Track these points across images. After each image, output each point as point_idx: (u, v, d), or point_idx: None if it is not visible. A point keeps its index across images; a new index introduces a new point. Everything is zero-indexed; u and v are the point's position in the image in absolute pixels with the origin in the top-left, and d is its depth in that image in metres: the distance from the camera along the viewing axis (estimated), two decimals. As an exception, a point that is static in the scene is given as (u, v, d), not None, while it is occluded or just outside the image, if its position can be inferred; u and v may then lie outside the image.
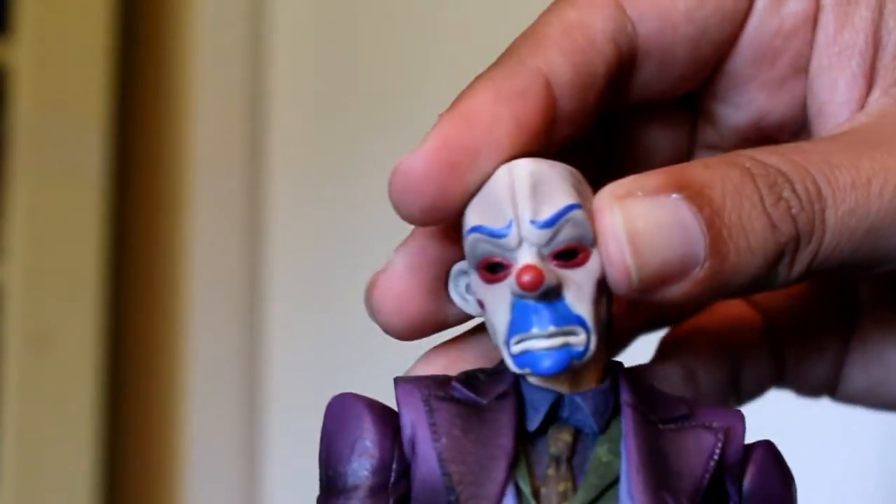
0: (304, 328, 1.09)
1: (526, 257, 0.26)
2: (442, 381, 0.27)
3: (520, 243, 0.26)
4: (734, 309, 0.36)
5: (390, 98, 1.06)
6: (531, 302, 0.25)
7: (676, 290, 0.26)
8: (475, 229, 0.26)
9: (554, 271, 0.26)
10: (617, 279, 0.26)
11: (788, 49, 0.31)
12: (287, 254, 1.10)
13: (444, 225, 0.28)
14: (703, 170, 0.27)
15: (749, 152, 0.28)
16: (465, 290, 0.28)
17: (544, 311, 0.25)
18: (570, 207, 0.26)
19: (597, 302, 0.26)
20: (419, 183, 0.26)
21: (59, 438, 1.04)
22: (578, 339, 0.25)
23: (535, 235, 0.26)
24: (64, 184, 1.06)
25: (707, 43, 0.30)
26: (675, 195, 0.26)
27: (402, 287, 0.28)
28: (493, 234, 0.26)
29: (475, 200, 0.27)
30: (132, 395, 1.13)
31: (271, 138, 1.12)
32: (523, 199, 0.26)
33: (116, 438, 1.09)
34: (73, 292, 1.06)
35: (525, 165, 0.26)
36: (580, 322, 0.26)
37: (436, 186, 0.26)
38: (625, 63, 0.29)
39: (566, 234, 0.26)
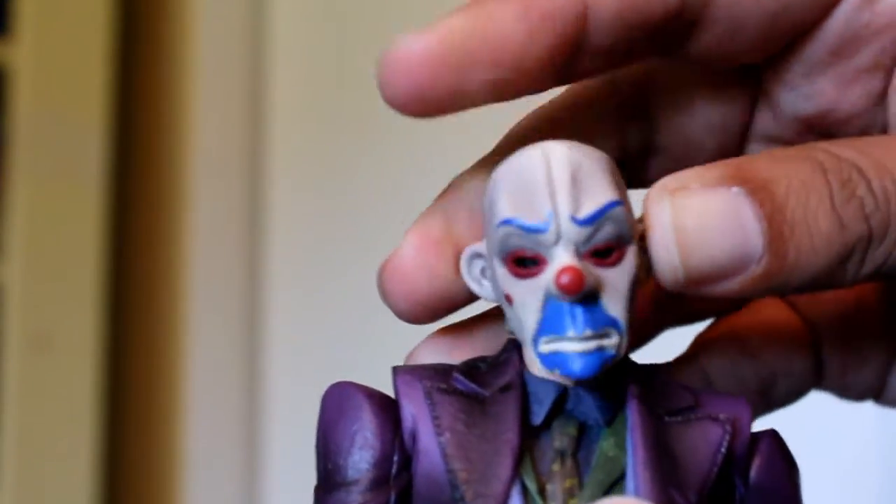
0: (304, 328, 1.09)
1: (564, 257, 0.24)
2: (443, 372, 0.26)
3: (557, 240, 0.24)
4: (775, 312, 0.35)
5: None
6: (567, 303, 0.24)
7: (728, 286, 0.25)
8: (508, 222, 0.25)
9: (592, 272, 0.24)
10: (663, 274, 0.25)
11: (874, 44, 0.29)
12: (287, 253, 1.10)
13: (456, 207, 0.27)
14: (771, 163, 0.25)
15: (824, 145, 0.26)
16: (481, 273, 0.27)
17: (580, 314, 0.24)
18: (612, 204, 0.24)
19: (630, 302, 0.25)
20: (413, 66, 0.25)
21: (59, 438, 1.04)
22: (612, 342, 0.24)
23: (575, 233, 0.24)
24: (64, 184, 1.06)
25: (786, 21, 0.28)
26: (735, 188, 0.25)
27: (412, 269, 0.27)
28: (529, 230, 0.24)
29: (503, 184, 0.25)
30: (132, 395, 1.12)
31: (271, 138, 1.12)
32: (563, 192, 0.24)
33: (116, 438, 1.09)
34: (73, 292, 1.06)
35: (563, 153, 0.25)
36: (614, 324, 0.25)
37: (428, 77, 0.25)
38: (689, 17, 0.27)
39: (606, 233, 0.24)
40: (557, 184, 0.24)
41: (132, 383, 1.12)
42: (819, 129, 0.30)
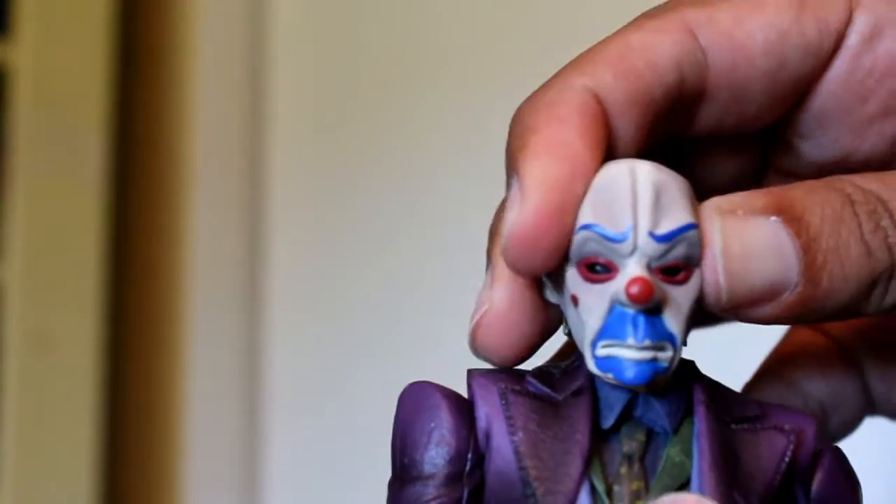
0: (305, 328, 1.09)
1: (635, 268, 0.25)
2: (516, 376, 0.27)
3: (632, 252, 0.26)
4: (811, 341, 0.35)
5: (392, 96, 1.07)
6: (631, 312, 0.25)
7: (763, 312, 0.26)
8: (588, 227, 0.26)
9: (660, 286, 0.26)
10: (709, 295, 0.26)
11: (881, 89, 0.30)
12: (288, 254, 1.11)
13: None
14: (806, 193, 0.27)
15: (850, 177, 0.27)
16: (547, 276, 0.28)
17: (642, 324, 0.25)
18: (688, 227, 0.26)
19: (689, 320, 0.26)
20: (537, 239, 0.26)
21: (59, 438, 1.04)
22: (666, 356, 0.26)
23: (651, 248, 0.26)
24: (64, 184, 1.06)
25: (786, 79, 0.29)
26: (774, 217, 0.26)
27: (509, 323, 0.28)
28: (608, 238, 0.26)
29: (589, 194, 0.26)
30: (132, 395, 1.12)
31: (272, 138, 1.12)
32: (645, 207, 0.26)
33: (116, 438, 1.09)
34: (73, 292, 1.06)
35: (648, 171, 0.26)
36: (671, 339, 0.26)
37: (555, 235, 0.26)
38: (691, 91, 0.29)
39: (678, 252, 0.26)
40: (640, 199, 0.26)
41: (132, 383, 1.12)
42: (839, 172, 0.31)
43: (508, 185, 0.27)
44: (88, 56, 1.08)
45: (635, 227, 0.25)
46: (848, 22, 0.29)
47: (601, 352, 0.26)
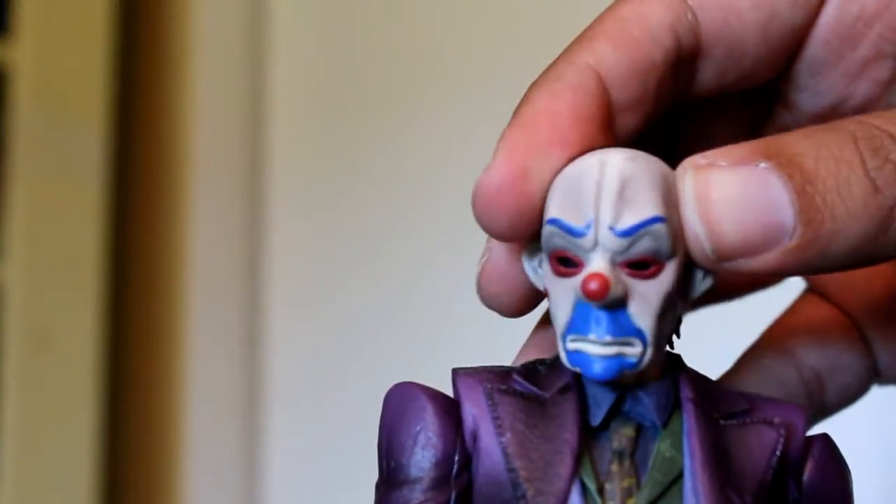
0: (305, 328, 1.09)
1: (597, 263, 0.25)
2: (502, 374, 0.27)
3: (594, 246, 0.25)
4: (814, 311, 0.35)
5: (391, 96, 1.07)
6: (593, 307, 0.25)
7: (763, 261, 0.25)
8: (553, 221, 0.26)
9: (623, 281, 0.25)
10: (692, 249, 0.26)
11: (870, 33, 0.30)
12: (287, 253, 1.11)
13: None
14: (800, 138, 0.26)
15: (856, 117, 0.27)
16: (538, 264, 0.28)
17: (604, 320, 0.25)
18: (653, 220, 0.25)
19: (661, 316, 0.26)
20: (499, 196, 0.26)
21: (59, 438, 1.04)
22: (633, 351, 0.25)
23: (612, 242, 0.25)
24: (64, 184, 1.06)
25: (778, 30, 0.29)
26: (763, 163, 0.25)
27: (508, 272, 0.28)
28: (570, 232, 0.25)
29: (559, 186, 0.26)
30: (132, 394, 1.12)
31: (271, 138, 1.12)
32: (607, 202, 0.25)
33: (116, 438, 1.09)
34: (73, 292, 1.06)
35: (617, 164, 0.26)
36: (639, 335, 0.25)
37: (516, 196, 0.26)
38: (688, 52, 0.29)
39: (642, 247, 0.25)
40: (604, 192, 0.25)
41: (132, 383, 1.12)
42: (835, 118, 0.30)
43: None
44: (88, 56, 1.08)
45: (596, 221, 0.25)
46: None
47: (570, 346, 0.26)
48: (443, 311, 1.01)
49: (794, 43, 0.30)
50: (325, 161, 1.10)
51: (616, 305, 0.25)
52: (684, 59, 0.29)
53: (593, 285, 0.25)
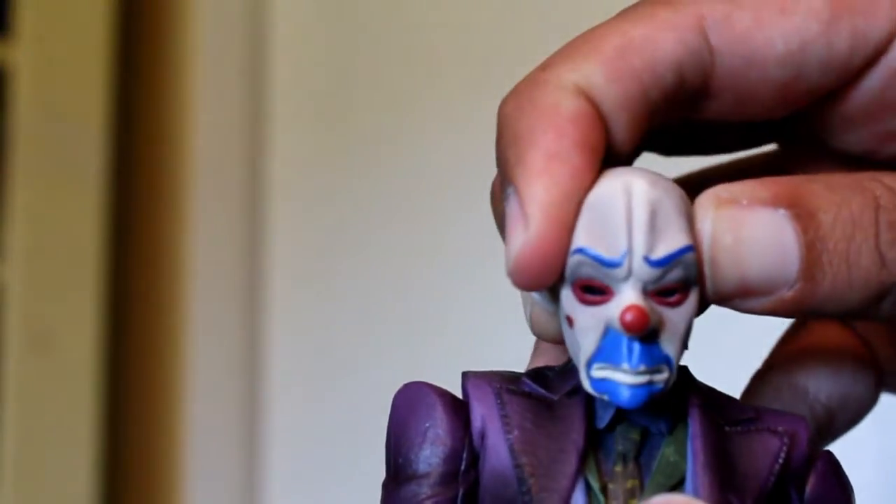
0: (305, 327, 1.09)
1: (631, 294, 0.25)
2: (511, 377, 0.27)
3: (627, 277, 0.25)
4: (825, 334, 0.34)
5: (391, 96, 1.07)
6: (626, 337, 0.25)
7: (758, 304, 0.25)
8: (581, 251, 0.25)
9: (656, 310, 0.25)
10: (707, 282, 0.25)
11: None
12: (288, 253, 1.11)
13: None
14: (825, 189, 0.25)
15: (886, 178, 0.26)
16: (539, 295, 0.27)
17: (638, 350, 0.25)
18: (685, 249, 0.25)
19: (684, 341, 0.26)
20: (543, 264, 0.25)
21: (59, 438, 1.04)
22: (662, 377, 0.25)
23: (646, 273, 0.25)
24: (64, 184, 1.06)
25: (803, 87, 0.27)
26: (781, 210, 0.25)
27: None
28: (603, 263, 0.25)
29: (583, 213, 0.25)
30: (132, 395, 1.13)
31: (271, 138, 1.12)
32: (640, 231, 0.25)
33: (116, 438, 1.09)
34: (73, 292, 1.06)
35: (643, 189, 0.25)
36: (667, 361, 0.25)
37: (559, 259, 0.25)
38: (692, 91, 0.27)
39: (674, 275, 0.25)
40: (635, 221, 0.25)
41: (132, 384, 1.13)
42: (858, 163, 0.30)
43: (505, 195, 0.26)
44: (88, 56, 1.08)
45: (630, 251, 0.25)
46: (892, 36, 0.27)
47: (596, 374, 0.25)
48: (444, 307, 1.01)
49: (815, 102, 0.28)
50: (325, 161, 1.10)
51: (649, 335, 0.25)
52: (685, 96, 0.27)
53: (631, 317, 0.24)
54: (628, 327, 0.25)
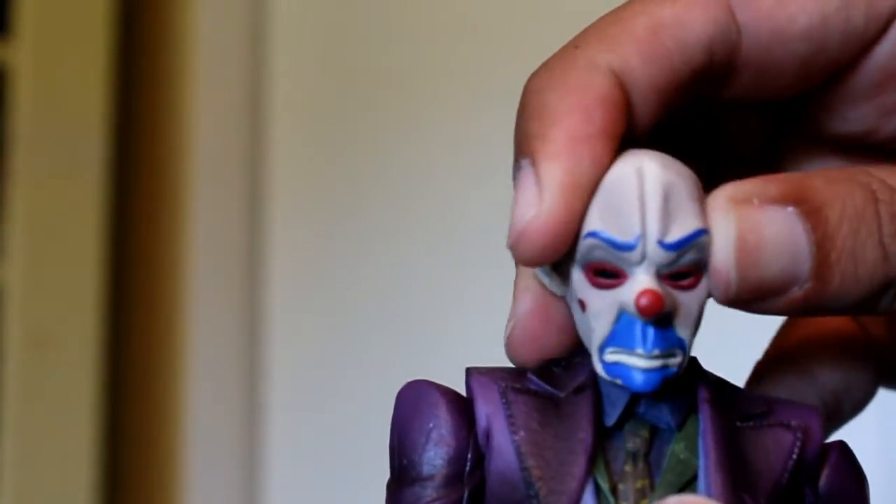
0: (305, 328, 1.09)
1: (645, 278, 0.25)
2: (517, 374, 0.27)
3: (641, 260, 0.25)
4: (832, 325, 0.34)
5: (392, 98, 1.07)
6: (640, 321, 0.25)
7: (770, 305, 0.25)
8: (594, 234, 0.25)
9: (670, 294, 0.25)
10: (716, 288, 0.25)
11: None
12: (287, 254, 1.11)
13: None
14: (826, 184, 0.26)
15: (877, 171, 0.26)
16: (550, 268, 0.27)
17: (652, 334, 0.25)
18: (699, 233, 0.25)
19: (697, 324, 0.26)
20: (546, 238, 0.25)
21: (59, 438, 1.04)
22: (676, 361, 0.25)
23: (660, 256, 0.25)
24: (64, 184, 1.06)
25: (821, 63, 0.28)
26: (790, 208, 0.25)
27: (535, 335, 0.27)
28: (616, 246, 0.25)
29: (596, 197, 0.25)
30: (132, 395, 1.12)
31: (271, 138, 1.12)
32: (653, 214, 0.25)
33: (116, 438, 1.09)
34: (73, 292, 1.06)
35: (656, 172, 0.25)
36: (681, 345, 0.25)
37: (564, 236, 0.25)
38: (718, 69, 0.27)
39: (688, 259, 0.25)
40: (649, 205, 0.25)
41: (132, 383, 1.12)
42: (857, 146, 0.30)
43: (518, 165, 0.26)
44: (88, 56, 1.08)
45: (644, 235, 0.25)
46: None
47: (609, 357, 0.25)
48: (444, 308, 1.01)
49: (833, 73, 0.29)
50: (324, 162, 1.10)
51: (663, 319, 0.25)
52: (712, 74, 0.27)
53: (646, 301, 0.24)
54: (643, 311, 0.24)
